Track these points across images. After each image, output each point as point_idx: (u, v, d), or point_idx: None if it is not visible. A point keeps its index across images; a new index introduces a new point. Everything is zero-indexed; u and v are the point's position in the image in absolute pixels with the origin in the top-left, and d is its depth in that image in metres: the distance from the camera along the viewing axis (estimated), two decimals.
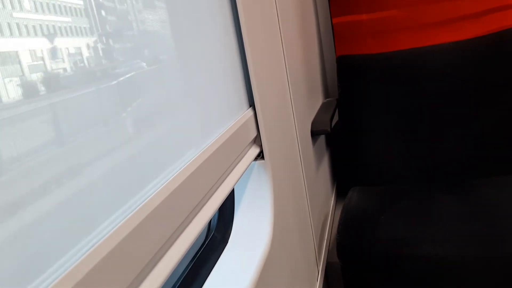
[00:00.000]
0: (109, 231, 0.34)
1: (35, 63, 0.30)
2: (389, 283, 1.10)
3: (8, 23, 0.28)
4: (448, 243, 1.03)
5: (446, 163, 1.41)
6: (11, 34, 0.28)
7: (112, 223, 0.35)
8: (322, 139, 1.45)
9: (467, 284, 1.02)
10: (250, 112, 0.71)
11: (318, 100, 1.48)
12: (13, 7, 0.28)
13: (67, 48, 0.33)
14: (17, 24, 0.29)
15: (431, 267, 1.04)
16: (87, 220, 0.33)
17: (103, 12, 0.39)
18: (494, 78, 1.39)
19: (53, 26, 0.33)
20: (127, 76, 0.41)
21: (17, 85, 0.29)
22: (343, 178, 1.67)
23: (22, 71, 0.29)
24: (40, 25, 0.31)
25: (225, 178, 0.60)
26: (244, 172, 0.65)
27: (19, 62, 0.29)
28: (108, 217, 0.35)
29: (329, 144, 1.60)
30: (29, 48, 0.30)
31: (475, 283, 1.02)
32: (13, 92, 0.28)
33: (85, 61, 0.35)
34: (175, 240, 0.45)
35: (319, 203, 1.24)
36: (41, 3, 0.32)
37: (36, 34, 0.31)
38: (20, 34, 0.29)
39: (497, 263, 0.99)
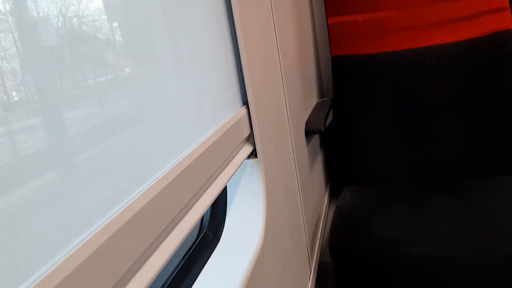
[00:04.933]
0: (99, 226, 0.34)
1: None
2: (381, 282, 1.11)
3: None
4: (441, 243, 1.04)
5: (439, 164, 1.42)
6: None
7: (102, 218, 0.35)
8: (316, 138, 1.45)
9: (459, 284, 1.03)
10: (243, 110, 0.71)
11: (313, 100, 1.48)
12: None
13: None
14: None
15: (423, 266, 1.04)
16: (77, 216, 0.33)
17: (99, 9, 0.38)
18: (488, 79, 1.40)
19: None
20: (120, 73, 0.40)
21: None
22: (337, 177, 1.68)
23: None
24: None
25: (217, 176, 0.60)
26: (236, 170, 0.65)
27: None
28: (98, 213, 0.35)
29: (323, 143, 1.61)
30: None
31: (467, 283, 1.03)
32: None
33: (85, 57, 0.35)
34: (166, 236, 0.45)
35: (312, 203, 1.24)
36: None
37: None
38: None
39: (489, 263, 1.00)
